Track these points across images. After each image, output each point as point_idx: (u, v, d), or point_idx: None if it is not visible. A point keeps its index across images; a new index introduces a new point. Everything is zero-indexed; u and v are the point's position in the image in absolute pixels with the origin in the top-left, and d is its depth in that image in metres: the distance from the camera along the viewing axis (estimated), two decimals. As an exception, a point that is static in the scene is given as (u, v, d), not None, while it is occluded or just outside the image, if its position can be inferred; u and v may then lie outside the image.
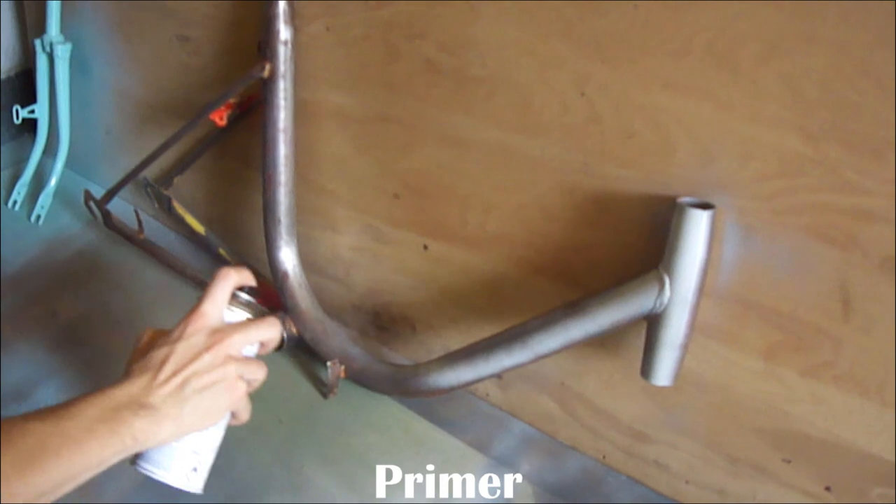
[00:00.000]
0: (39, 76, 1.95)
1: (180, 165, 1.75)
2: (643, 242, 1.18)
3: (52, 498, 0.88)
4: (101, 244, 1.91)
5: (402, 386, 1.43)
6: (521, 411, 1.48)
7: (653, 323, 1.12)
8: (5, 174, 2.14)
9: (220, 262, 1.77)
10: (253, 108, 1.51)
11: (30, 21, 2.05)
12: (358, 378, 1.50)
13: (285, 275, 1.49)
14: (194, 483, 1.06)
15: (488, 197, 1.33)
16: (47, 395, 1.52)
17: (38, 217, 2.00)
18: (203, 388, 0.99)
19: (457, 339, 1.47)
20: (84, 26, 1.88)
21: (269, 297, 1.62)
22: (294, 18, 1.38)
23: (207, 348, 1.01)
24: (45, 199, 2.00)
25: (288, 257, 1.48)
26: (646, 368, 1.15)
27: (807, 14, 0.95)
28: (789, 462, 1.21)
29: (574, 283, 1.29)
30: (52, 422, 0.88)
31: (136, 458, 1.03)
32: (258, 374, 1.06)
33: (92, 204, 1.81)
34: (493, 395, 1.50)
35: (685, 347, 1.12)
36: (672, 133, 1.10)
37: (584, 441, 1.42)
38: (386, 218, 1.48)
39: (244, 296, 1.13)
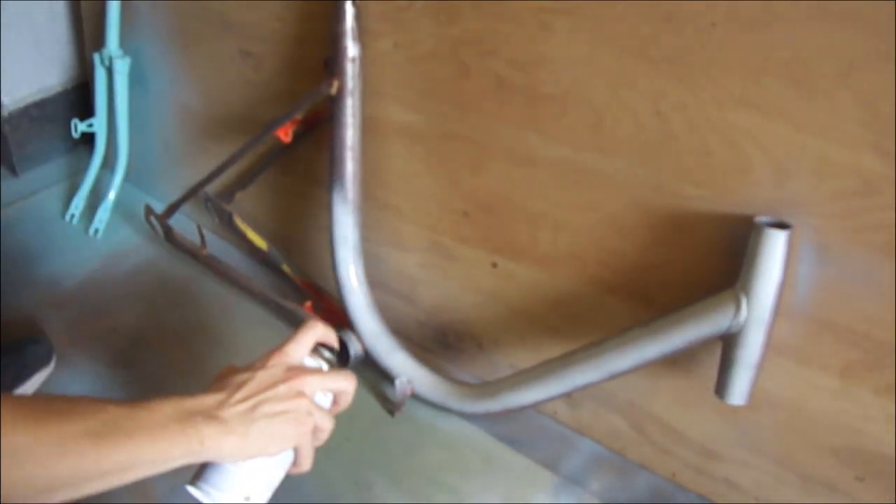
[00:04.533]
0: (98, 90, 1.99)
1: (242, 180, 1.79)
2: (717, 261, 1.20)
3: (108, 483, 0.90)
4: (160, 259, 1.95)
5: (471, 404, 1.46)
6: (590, 429, 1.50)
7: (728, 342, 1.14)
8: (62, 187, 2.18)
9: (283, 279, 1.81)
10: (319, 125, 1.54)
11: (87, 34, 2.08)
12: (424, 396, 1.53)
13: (350, 291, 1.52)
14: None
15: (559, 215, 1.34)
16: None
17: (97, 231, 2.03)
18: (273, 414, 1.02)
19: (525, 358, 1.49)
20: (143, 41, 1.91)
21: (333, 312, 1.65)
22: (362, 35, 1.40)
23: (284, 380, 1.05)
24: (103, 212, 2.04)
25: (354, 274, 1.50)
26: (721, 387, 1.16)
27: (882, 32, 0.96)
28: (862, 480, 1.23)
29: (647, 302, 1.31)
30: (128, 409, 0.92)
31: (193, 479, 1.06)
32: (327, 423, 1.09)
33: (153, 219, 1.84)
34: (562, 413, 1.52)
35: (760, 367, 1.14)
36: (748, 152, 1.11)
37: (654, 459, 1.44)
38: (454, 235, 1.50)
39: (327, 353, 1.16)
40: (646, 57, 1.15)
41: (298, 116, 1.50)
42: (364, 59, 1.42)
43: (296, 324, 1.71)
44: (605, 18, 1.17)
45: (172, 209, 1.82)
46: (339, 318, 1.60)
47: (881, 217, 1.05)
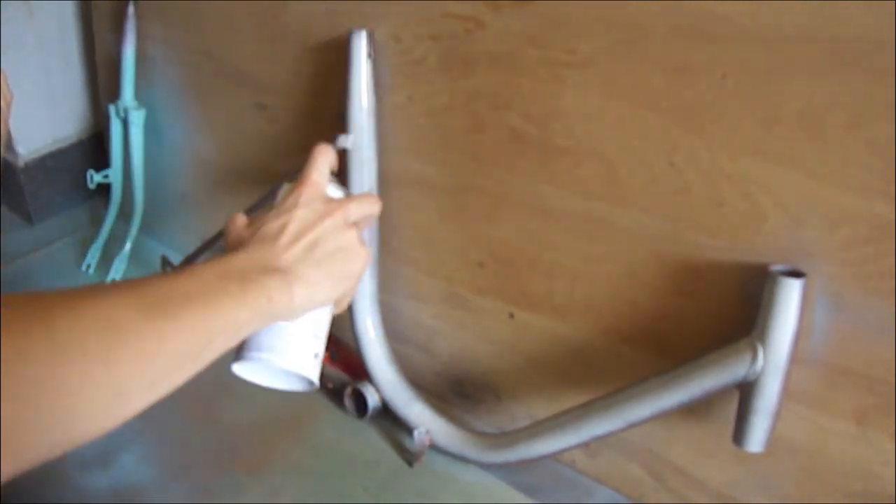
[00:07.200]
0: (114, 141, 2.02)
1: (258, 231, 1.79)
2: (732, 310, 1.21)
3: (178, 376, 0.78)
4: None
5: (489, 454, 1.47)
6: (608, 478, 1.51)
7: (745, 391, 1.15)
8: (78, 237, 2.21)
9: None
10: (335, 178, 1.54)
11: (102, 85, 2.12)
12: (443, 446, 1.54)
13: (368, 343, 1.54)
14: (314, 372, 0.96)
15: (575, 266, 1.36)
16: (130, 460, 1.57)
17: (113, 282, 2.03)
18: (332, 252, 0.93)
19: (542, 407, 1.50)
20: (158, 92, 1.94)
21: (351, 364, 1.67)
22: (377, 88, 1.42)
23: (327, 214, 0.95)
24: (119, 263, 2.06)
25: (371, 326, 1.53)
26: (738, 436, 1.18)
27: (893, 79, 0.98)
28: (881, 524, 1.24)
29: (663, 352, 1.32)
30: (172, 280, 0.78)
31: (239, 353, 0.95)
32: (367, 253, 0.99)
33: (169, 270, 1.86)
34: (580, 462, 1.53)
35: (777, 414, 1.15)
36: (761, 201, 1.13)
37: (673, 507, 1.45)
38: (470, 286, 1.51)
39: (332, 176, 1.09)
40: (658, 109, 1.17)
41: (315, 169, 1.51)
42: (379, 113, 1.44)
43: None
44: (617, 71, 1.19)
45: (189, 260, 1.83)
46: (356, 369, 1.62)
47: (893, 263, 1.06)
